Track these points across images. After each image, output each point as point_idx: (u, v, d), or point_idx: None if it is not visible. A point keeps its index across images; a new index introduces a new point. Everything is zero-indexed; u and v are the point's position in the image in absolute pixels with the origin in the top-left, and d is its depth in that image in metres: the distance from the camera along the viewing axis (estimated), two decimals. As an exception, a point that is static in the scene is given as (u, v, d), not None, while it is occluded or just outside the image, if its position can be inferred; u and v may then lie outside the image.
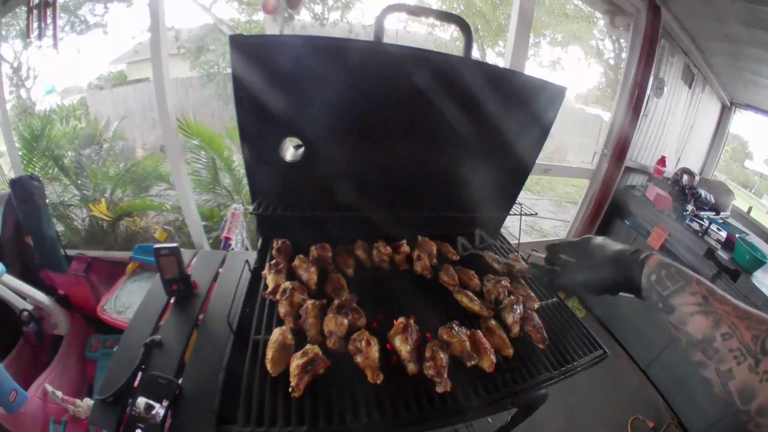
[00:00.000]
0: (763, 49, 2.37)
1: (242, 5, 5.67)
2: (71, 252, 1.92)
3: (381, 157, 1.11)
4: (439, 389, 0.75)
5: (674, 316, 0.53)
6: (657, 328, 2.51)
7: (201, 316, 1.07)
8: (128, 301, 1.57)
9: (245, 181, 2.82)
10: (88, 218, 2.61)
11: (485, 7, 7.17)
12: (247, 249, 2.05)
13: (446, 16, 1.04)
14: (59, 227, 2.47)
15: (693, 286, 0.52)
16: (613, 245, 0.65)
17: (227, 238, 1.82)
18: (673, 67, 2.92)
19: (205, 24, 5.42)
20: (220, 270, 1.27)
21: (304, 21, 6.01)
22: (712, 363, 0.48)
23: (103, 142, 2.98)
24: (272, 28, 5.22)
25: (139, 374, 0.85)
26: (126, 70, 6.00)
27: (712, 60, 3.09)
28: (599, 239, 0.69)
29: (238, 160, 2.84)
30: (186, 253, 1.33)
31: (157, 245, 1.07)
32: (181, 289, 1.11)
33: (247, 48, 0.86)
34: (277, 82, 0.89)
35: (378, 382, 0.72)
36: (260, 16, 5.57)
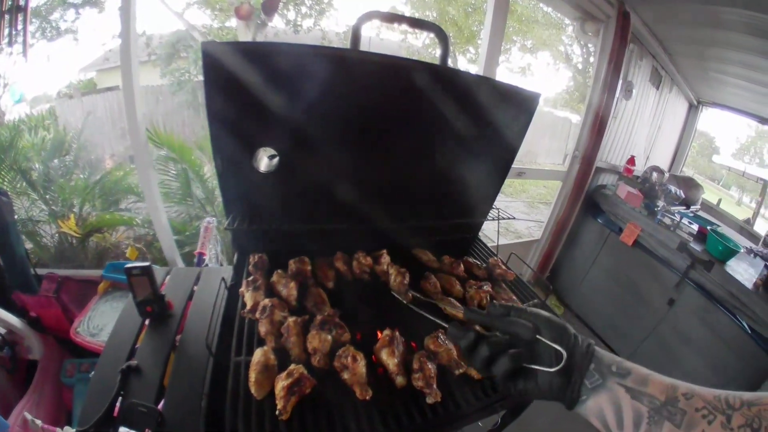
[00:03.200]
0: (729, 48, 2.47)
1: (215, 12, 5.56)
2: (41, 271, 1.82)
3: (358, 167, 1.10)
4: (429, 400, 0.74)
5: (631, 377, 0.46)
6: (635, 322, 2.60)
7: (178, 338, 1.03)
8: (101, 322, 1.50)
9: (218, 191, 2.77)
10: (56, 235, 2.48)
11: (458, 14, 7.31)
12: (221, 264, 1.99)
13: (423, 24, 1.03)
14: (28, 245, 2.34)
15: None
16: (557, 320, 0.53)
17: (201, 254, 1.75)
18: (641, 70, 3.03)
19: (176, 30, 5.29)
20: (195, 288, 1.23)
21: (278, 28, 5.97)
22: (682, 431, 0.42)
23: (71, 152, 2.85)
24: (245, 35, 5.14)
25: (118, 402, 0.81)
26: (96, 77, 5.80)
27: (679, 62, 3.22)
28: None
29: (209, 170, 2.78)
30: (159, 271, 1.28)
31: (128, 264, 1.03)
32: (156, 311, 1.06)
33: (220, 55, 0.82)
34: (250, 91, 0.86)
35: (367, 398, 0.71)
36: (233, 22, 5.49)
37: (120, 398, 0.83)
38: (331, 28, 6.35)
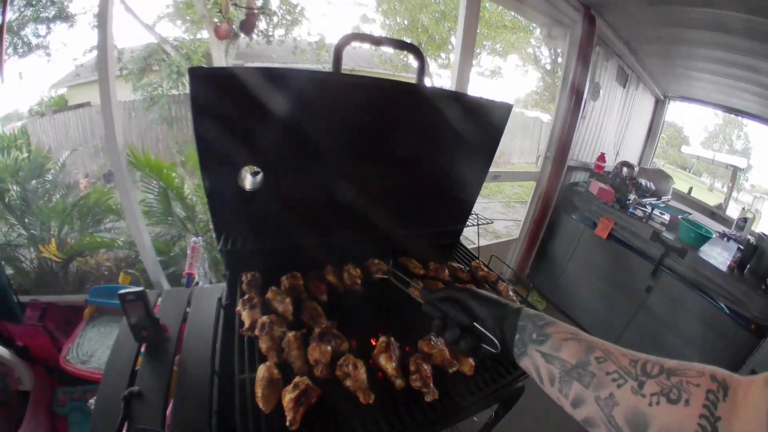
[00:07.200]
0: (693, 45, 2.61)
1: (185, 23, 5.50)
2: (23, 298, 1.77)
3: (345, 181, 1.13)
4: (428, 398, 0.79)
5: (547, 344, 0.52)
6: (615, 311, 2.73)
7: (176, 359, 1.04)
8: (91, 348, 1.47)
9: (198, 208, 2.76)
10: (36, 260, 2.40)
11: (429, 21, 7.45)
12: (211, 282, 1.98)
13: (402, 46, 1.08)
14: (8, 271, 2.25)
15: (566, 325, 0.54)
16: (491, 297, 0.64)
17: (190, 274, 1.74)
18: (607, 71, 3.16)
19: (148, 43, 5.20)
20: (188, 309, 1.23)
21: (249, 39, 5.95)
22: (590, 392, 0.44)
23: (46, 174, 2.76)
24: (218, 46, 5.11)
25: (124, 430, 0.82)
26: (67, 94, 5.63)
27: (645, 60, 3.34)
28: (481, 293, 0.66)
29: (188, 188, 2.76)
30: (150, 294, 1.28)
31: (122, 290, 1.03)
32: (151, 335, 1.07)
33: (207, 80, 0.85)
34: (238, 113, 0.89)
35: (370, 401, 0.75)
36: (205, 34, 5.44)
37: (126, 426, 0.84)
38: (303, 37, 6.41)
